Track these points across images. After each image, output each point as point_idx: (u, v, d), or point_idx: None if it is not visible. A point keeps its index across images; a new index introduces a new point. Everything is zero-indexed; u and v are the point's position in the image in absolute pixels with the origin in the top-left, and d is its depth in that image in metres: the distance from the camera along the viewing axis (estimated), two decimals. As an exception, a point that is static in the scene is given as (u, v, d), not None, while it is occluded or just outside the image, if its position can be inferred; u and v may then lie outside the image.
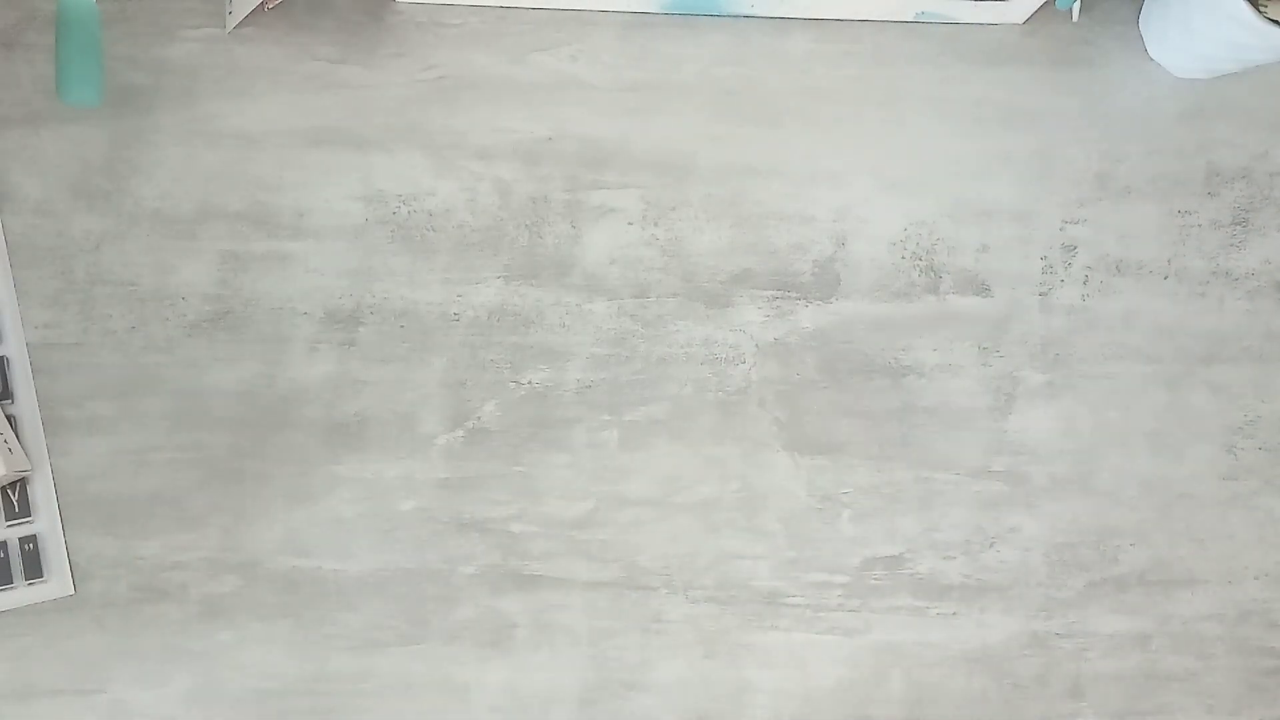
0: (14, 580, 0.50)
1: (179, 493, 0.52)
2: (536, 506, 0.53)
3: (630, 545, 0.53)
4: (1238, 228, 0.57)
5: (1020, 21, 0.56)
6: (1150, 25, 0.57)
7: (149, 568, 0.51)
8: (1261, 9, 0.49)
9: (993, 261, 0.55)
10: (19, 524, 0.50)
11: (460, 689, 0.52)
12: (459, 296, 0.53)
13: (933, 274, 0.55)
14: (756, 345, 0.54)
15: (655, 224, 0.54)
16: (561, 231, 0.54)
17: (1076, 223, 0.56)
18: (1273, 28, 0.49)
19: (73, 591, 0.51)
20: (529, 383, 0.53)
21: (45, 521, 0.50)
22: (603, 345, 0.54)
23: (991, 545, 0.54)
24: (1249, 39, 0.51)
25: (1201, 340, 0.56)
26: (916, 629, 0.52)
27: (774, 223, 0.55)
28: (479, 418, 0.53)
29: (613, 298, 0.54)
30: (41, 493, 0.51)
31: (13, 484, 0.50)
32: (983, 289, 0.55)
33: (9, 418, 0.50)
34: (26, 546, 0.50)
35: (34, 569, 0.50)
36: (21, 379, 0.51)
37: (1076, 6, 0.55)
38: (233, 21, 0.53)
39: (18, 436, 0.50)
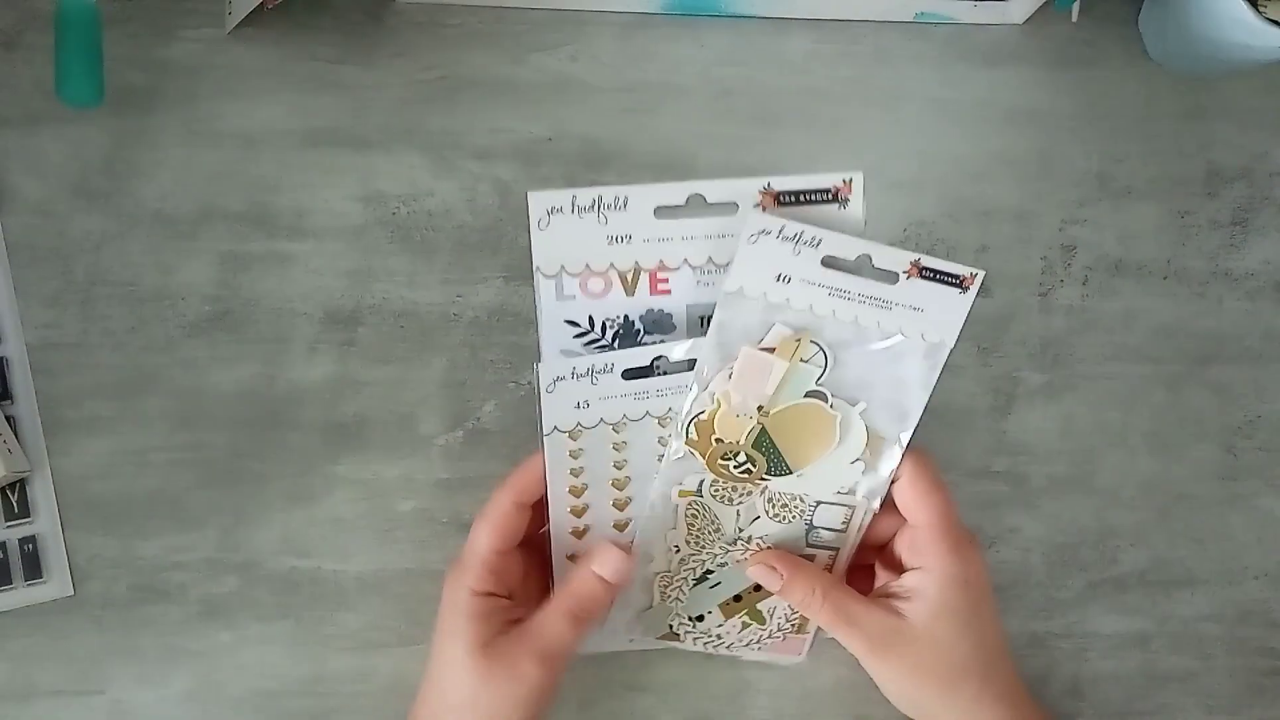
0: (14, 580, 0.50)
1: (179, 493, 0.52)
2: (536, 507, 0.53)
3: (630, 545, 0.53)
4: (1238, 228, 0.57)
5: (1020, 21, 0.56)
6: (1150, 25, 0.57)
7: (149, 568, 0.51)
8: (1261, 9, 0.49)
9: (993, 261, 0.55)
10: (19, 524, 0.50)
11: (460, 689, 0.52)
12: (459, 296, 0.53)
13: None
14: (756, 345, 0.54)
15: (655, 224, 0.54)
16: (561, 232, 0.54)
17: (1076, 223, 0.56)
18: (1273, 28, 0.49)
19: (72, 592, 0.51)
20: (529, 383, 0.53)
21: (45, 521, 0.50)
22: (602, 345, 0.54)
23: (991, 545, 0.54)
24: (1249, 39, 0.51)
25: (1201, 340, 0.56)
26: (916, 629, 0.52)
27: (774, 223, 0.55)
28: (479, 418, 0.53)
29: (612, 298, 0.54)
30: (41, 493, 0.51)
31: (13, 484, 0.50)
32: (983, 289, 0.55)
33: (9, 418, 0.50)
34: (26, 547, 0.50)
35: (34, 569, 0.50)
36: (21, 379, 0.51)
37: (1076, 6, 0.55)
38: (233, 21, 0.53)
39: (17, 436, 0.50)
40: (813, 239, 0.44)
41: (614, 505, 0.48)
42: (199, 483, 0.52)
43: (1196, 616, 0.54)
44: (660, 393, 0.46)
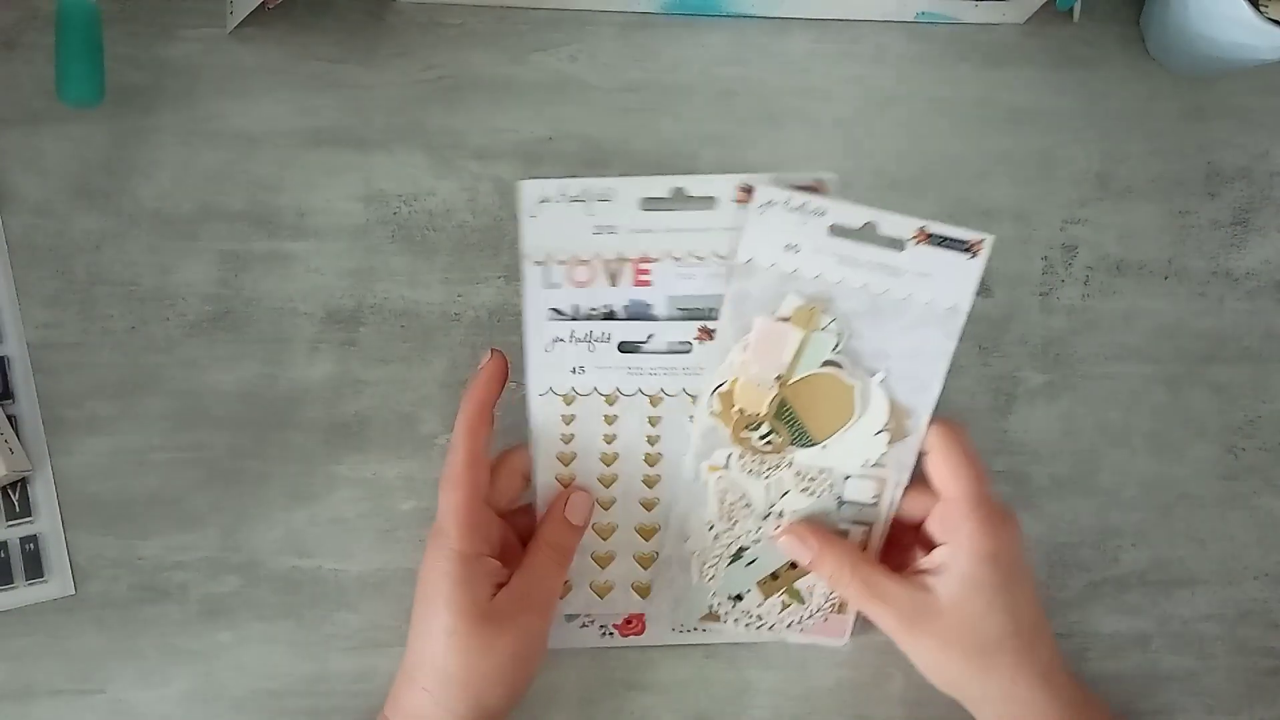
0: (14, 580, 0.50)
1: (179, 493, 0.52)
2: (537, 506, 0.53)
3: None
4: (1238, 228, 0.57)
5: (1020, 21, 0.56)
6: (1150, 25, 0.57)
7: (149, 568, 0.51)
8: (1261, 9, 0.49)
9: (993, 261, 0.55)
10: (19, 524, 0.50)
11: (460, 689, 0.52)
12: (459, 296, 0.53)
13: (933, 274, 0.55)
14: (757, 345, 0.54)
15: (655, 224, 0.54)
16: (562, 231, 0.54)
17: (1076, 223, 0.56)
18: (1273, 28, 0.49)
19: (73, 591, 0.51)
20: (529, 383, 0.53)
21: (45, 521, 0.50)
22: (603, 345, 0.54)
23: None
24: (1249, 39, 0.51)
25: (1201, 340, 0.56)
26: (917, 629, 0.52)
27: (774, 223, 0.55)
28: (479, 418, 0.53)
29: (613, 298, 0.54)
30: (41, 493, 0.51)
31: (13, 484, 0.50)
32: (983, 289, 0.55)
33: (9, 418, 0.50)
34: (26, 546, 0.50)
35: (34, 569, 0.50)
36: (21, 379, 0.51)
37: (1076, 6, 0.55)
38: (233, 21, 0.53)
39: (18, 436, 0.50)
40: (818, 208, 0.45)
41: (600, 481, 0.49)
42: (200, 482, 0.52)
43: (1196, 616, 0.54)
44: (653, 371, 0.47)
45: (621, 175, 0.54)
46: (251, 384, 0.52)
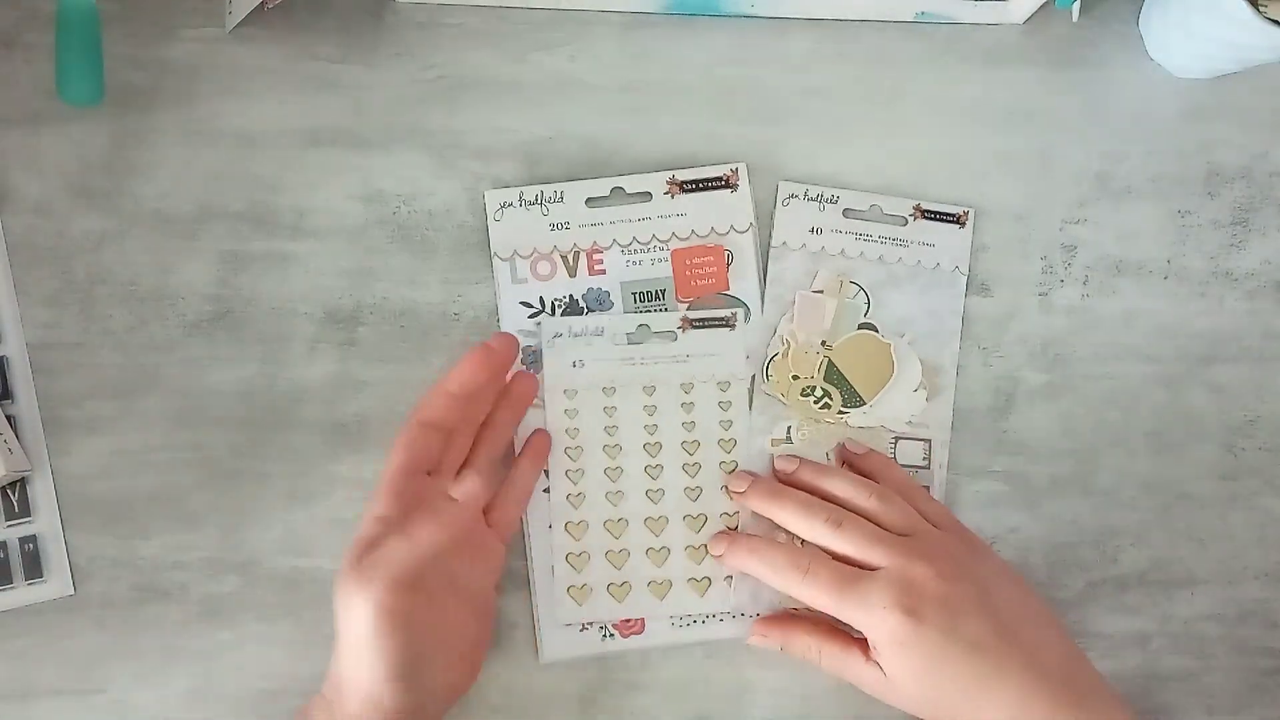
0: (14, 580, 0.50)
1: (179, 493, 0.52)
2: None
3: (630, 545, 0.53)
4: (1238, 228, 0.57)
5: (1020, 21, 0.56)
6: (1150, 25, 0.57)
7: (149, 568, 0.51)
8: (1261, 9, 0.49)
9: (993, 261, 0.55)
10: (19, 524, 0.50)
11: (460, 689, 0.52)
12: (458, 296, 0.53)
13: (933, 274, 0.55)
14: (756, 345, 0.54)
15: (655, 224, 0.54)
16: (561, 231, 0.54)
17: (1076, 223, 0.56)
18: (1273, 28, 0.49)
19: (73, 591, 0.51)
20: (529, 383, 0.53)
21: (45, 521, 0.50)
22: (603, 345, 0.53)
23: (992, 545, 0.54)
24: (1249, 39, 0.51)
25: (1201, 340, 0.56)
26: (916, 629, 0.52)
27: (774, 223, 0.55)
28: (479, 418, 0.53)
29: (613, 298, 0.54)
30: (41, 493, 0.51)
31: (13, 483, 0.50)
32: (983, 289, 0.55)
33: (9, 418, 0.50)
34: (26, 546, 0.50)
35: (34, 569, 0.50)
36: (21, 379, 0.51)
37: (1076, 6, 0.55)
38: (233, 21, 0.53)
39: (18, 436, 0.50)
40: (831, 196, 0.54)
41: (605, 474, 0.52)
42: (199, 482, 0.52)
43: (1196, 616, 0.54)
44: (643, 360, 0.52)
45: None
46: (251, 384, 0.52)
